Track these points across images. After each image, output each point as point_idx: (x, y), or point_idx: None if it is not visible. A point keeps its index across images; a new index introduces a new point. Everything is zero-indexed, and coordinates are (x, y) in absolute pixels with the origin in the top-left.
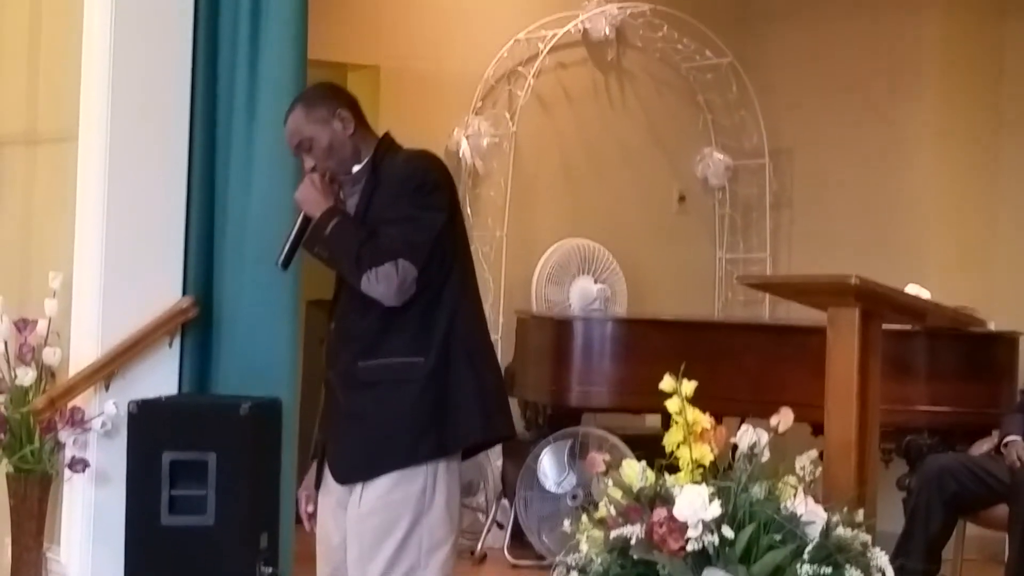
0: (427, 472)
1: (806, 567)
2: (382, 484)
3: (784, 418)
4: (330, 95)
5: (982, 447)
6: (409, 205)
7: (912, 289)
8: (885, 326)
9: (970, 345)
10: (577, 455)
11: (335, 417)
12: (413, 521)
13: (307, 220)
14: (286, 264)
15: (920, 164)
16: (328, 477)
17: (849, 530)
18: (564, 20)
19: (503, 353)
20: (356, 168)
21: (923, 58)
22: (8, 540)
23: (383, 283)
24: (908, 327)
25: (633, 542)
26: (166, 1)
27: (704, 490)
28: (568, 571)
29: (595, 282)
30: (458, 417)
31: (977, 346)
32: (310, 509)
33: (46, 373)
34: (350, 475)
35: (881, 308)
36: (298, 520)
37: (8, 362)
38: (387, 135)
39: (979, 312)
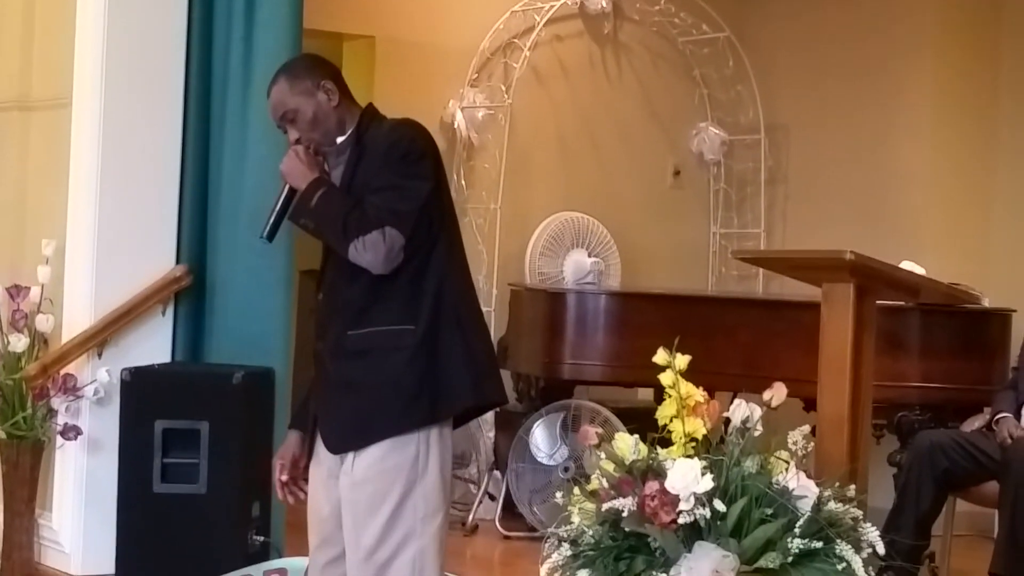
0: (419, 439)
1: (797, 541)
2: (374, 453)
3: (777, 393)
4: (314, 66)
5: (973, 424)
6: (394, 174)
7: (907, 265)
8: (879, 302)
9: (963, 322)
10: (569, 428)
11: (325, 388)
12: (407, 489)
13: (292, 192)
14: (271, 236)
15: (916, 141)
16: (319, 448)
17: (840, 505)
18: None
19: (496, 325)
20: (340, 139)
21: (920, 36)
22: (0, 506)
23: (371, 251)
24: (902, 303)
25: (625, 515)
26: None
27: (696, 464)
28: (560, 543)
29: (589, 255)
30: (448, 383)
31: (970, 323)
32: (284, 478)
33: (39, 340)
34: (341, 444)
35: (875, 284)
36: None
37: (1, 328)
38: (370, 106)
39: (974, 289)
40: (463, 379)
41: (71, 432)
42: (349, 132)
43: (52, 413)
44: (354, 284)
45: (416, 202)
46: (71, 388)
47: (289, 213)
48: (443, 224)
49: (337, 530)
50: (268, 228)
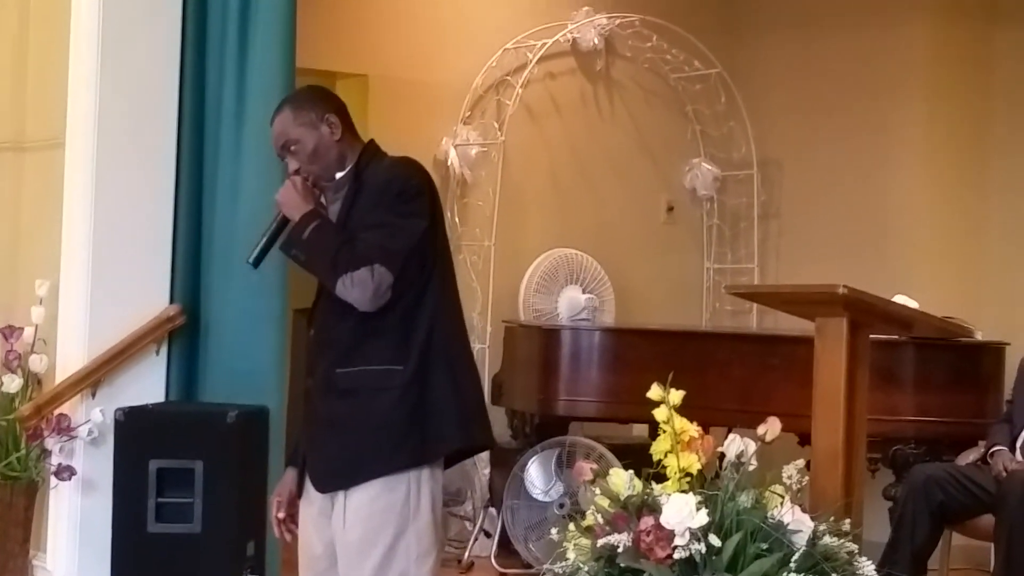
0: (410, 480)
1: None
2: (364, 493)
3: (771, 427)
4: (319, 99)
5: (968, 457)
6: (388, 211)
7: (900, 299)
8: (872, 336)
9: (957, 355)
10: (564, 464)
11: (314, 425)
12: (399, 529)
13: (284, 221)
14: (256, 263)
15: (908, 175)
16: (309, 486)
17: (836, 539)
18: (553, 30)
19: (490, 362)
20: (339, 175)
21: (911, 69)
22: None
23: (358, 288)
24: (896, 337)
25: (620, 550)
26: (154, 8)
27: (691, 499)
28: None
29: (583, 292)
30: (436, 425)
31: (964, 356)
32: (281, 515)
33: (32, 380)
34: (329, 483)
35: (869, 318)
36: None
37: None
38: (372, 142)
39: (967, 322)
40: (451, 421)
41: (65, 472)
42: (348, 168)
43: (46, 453)
44: (344, 321)
45: (408, 241)
46: (65, 428)
47: (280, 243)
48: (436, 264)
49: (330, 568)
50: (256, 254)
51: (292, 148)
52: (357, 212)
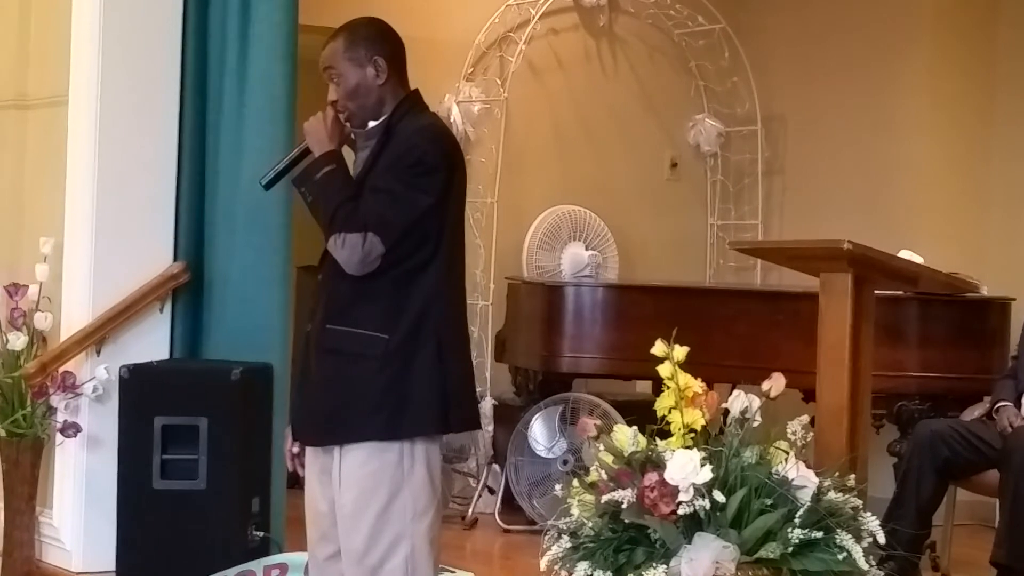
0: (401, 444)
1: (797, 531)
2: (356, 456)
3: (776, 383)
4: (374, 38)
5: (974, 413)
6: (397, 180)
7: (905, 255)
8: (877, 292)
9: (962, 311)
10: (568, 421)
11: (304, 376)
12: (393, 490)
13: (305, 152)
14: (269, 185)
15: (913, 131)
16: None
17: (840, 495)
18: None
19: (494, 319)
20: (373, 123)
21: (916, 25)
22: (0, 504)
23: (347, 250)
24: (900, 293)
25: (624, 506)
26: None
27: (695, 455)
28: (559, 535)
29: (586, 248)
30: (414, 405)
31: (969, 312)
32: (295, 450)
33: (37, 338)
34: (311, 438)
35: (873, 273)
36: (290, 484)
37: (0, 327)
38: (412, 94)
39: (972, 277)
40: (430, 406)
41: (71, 429)
42: (382, 119)
43: (51, 411)
44: (343, 278)
45: (408, 215)
46: (70, 386)
47: (296, 176)
48: (443, 243)
49: (334, 525)
50: (270, 177)
51: (334, 79)
52: (376, 169)
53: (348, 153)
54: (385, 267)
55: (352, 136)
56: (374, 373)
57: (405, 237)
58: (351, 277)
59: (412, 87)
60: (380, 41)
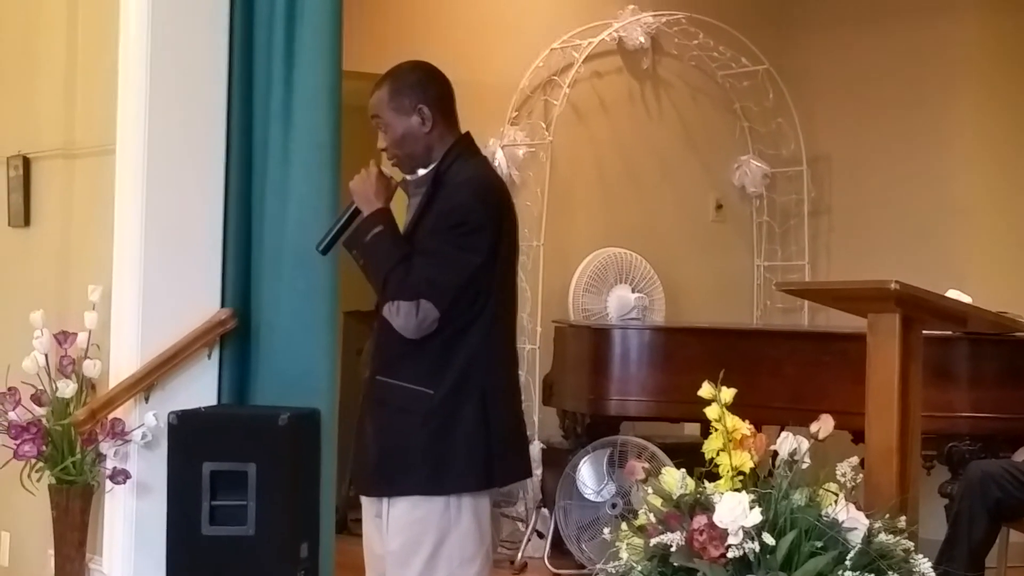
0: (447, 495)
1: (848, 574)
2: (403, 503)
3: (824, 425)
4: (419, 86)
5: None
6: (445, 242)
7: (953, 294)
8: (926, 332)
9: (1012, 350)
10: (616, 464)
11: (360, 423)
12: (439, 538)
13: (356, 211)
14: (326, 250)
15: (960, 169)
16: None
17: (891, 537)
18: (599, 29)
19: (541, 363)
20: (422, 171)
21: (963, 63)
22: (51, 551)
23: (402, 318)
24: (949, 333)
25: (673, 549)
26: (201, 12)
27: (744, 497)
28: None
29: (632, 291)
30: (456, 461)
31: (1019, 351)
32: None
33: (87, 385)
34: (364, 488)
35: (922, 313)
36: (338, 530)
37: (49, 375)
38: (462, 139)
39: (1021, 317)
40: (473, 462)
41: (120, 476)
42: (432, 166)
43: (101, 457)
44: (392, 332)
45: (459, 277)
46: (119, 432)
47: (346, 238)
48: (491, 296)
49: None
50: (326, 242)
51: (381, 127)
52: (424, 223)
53: (402, 197)
54: (440, 328)
55: (407, 178)
56: (417, 428)
57: (458, 298)
58: (398, 332)
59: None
60: (424, 88)
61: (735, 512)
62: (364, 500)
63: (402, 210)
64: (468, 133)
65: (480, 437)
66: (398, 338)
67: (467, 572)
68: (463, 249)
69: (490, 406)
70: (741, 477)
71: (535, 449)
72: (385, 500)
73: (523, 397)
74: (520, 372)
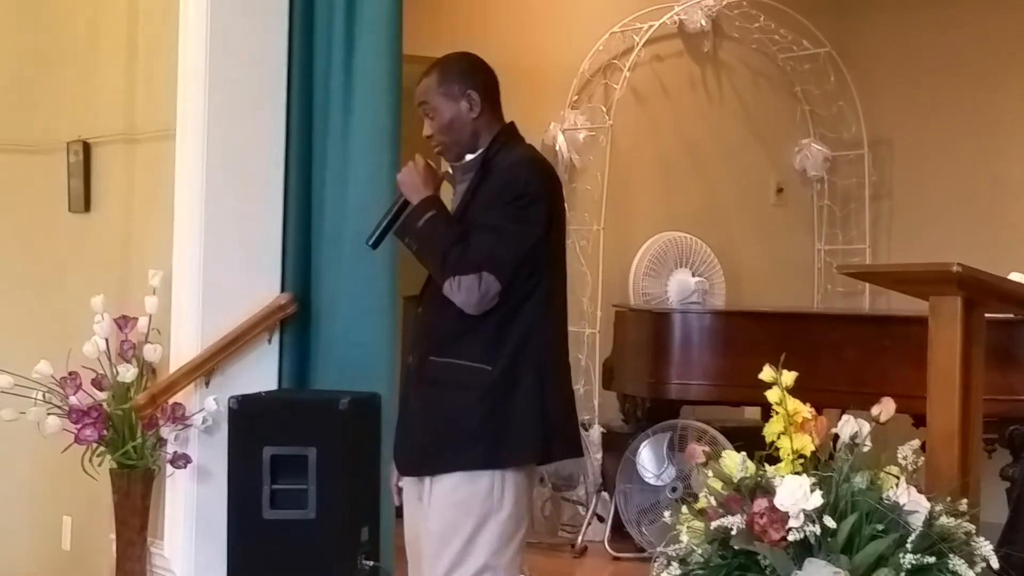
0: (492, 474)
1: (909, 556)
2: (446, 484)
3: (886, 408)
4: (468, 72)
5: None
6: (503, 216)
7: (1016, 276)
8: (988, 315)
9: None
10: (676, 447)
11: (404, 406)
12: (480, 522)
13: (404, 204)
14: (376, 244)
15: (1021, 152)
16: None
17: (952, 519)
18: (659, 12)
19: (601, 347)
20: (470, 156)
21: None
22: (112, 536)
23: (464, 293)
24: (1011, 315)
25: (734, 532)
26: None
27: (805, 480)
28: (669, 562)
29: (693, 275)
30: (515, 434)
31: None
32: (401, 484)
33: (147, 370)
34: (408, 468)
35: (984, 296)
36: (398, 514)
37: (110, 359)
38: (509, 126)
39: None
40: (531, 434)
41: (181, 460)
42: (480, 151)
43: (161, 442)
44: (446, 310)
45: (519, 249)
46: (180, 417)
47: (396, 228)
48: (546, 271)
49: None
50: (375, 236)
51: (429, 113)
52: (476, 205)
53: (447, 188)
54: (501, 303)
55: (450, 171)
56: (476, 403)
57: (517, 271)
58: (454, 310)
59: (508, 119)
60: (473, 75)
61: (796, 495)
62: (406, 482)
63: (447, 202)
64: (513, 123)
65: (537, 411)
66: (452, 318)
67: (502, 559)
68: (521, 222)
69: (546, 381)
70: (802, 460)
71: (595, 433)
72: (427, 479)
73: (583, 381)
74: (580, 356)
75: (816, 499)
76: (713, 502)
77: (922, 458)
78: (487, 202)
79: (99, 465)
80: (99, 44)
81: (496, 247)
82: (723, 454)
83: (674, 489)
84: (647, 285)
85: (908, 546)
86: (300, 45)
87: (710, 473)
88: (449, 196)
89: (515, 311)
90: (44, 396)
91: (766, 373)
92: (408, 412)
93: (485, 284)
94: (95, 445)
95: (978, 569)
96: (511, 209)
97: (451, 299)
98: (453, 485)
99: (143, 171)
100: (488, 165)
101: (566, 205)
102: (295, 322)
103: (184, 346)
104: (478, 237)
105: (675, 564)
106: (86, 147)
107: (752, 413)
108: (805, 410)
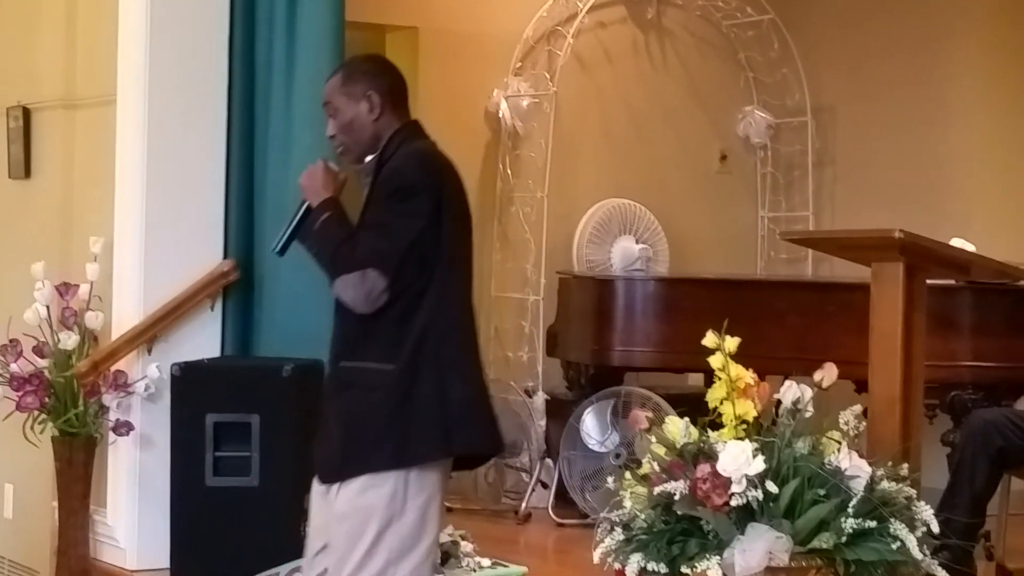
0: (396, 478)
1: (850, 521)
2: (352, 487)
3: (828, 373)
4: (371, 74)
5: None
6: (384, 211)
7: (957, 243)
8: (929, 281)
9: (1015, 299)
10: (620, 414)
11: (323, 415)
12: (382, 527)
13: (309, 208)
14: (282, 251)
15: (964, 119)
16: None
17: (893, 484)
18: None
19: (545, 314)
20: (369, 158)
21: (967, 14)
22: (55, 503)
23: (350, 291)
24: (952, 282)
25: (677, 498)
26: None
27: (747, 445)
28: (612, 528)
29: (637, 242)
30: (416, 431)
31: (1022, 300)
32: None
33: (89, 337)
34: (329, 475)
35: (925, 262)
36: None
37: (51, 326)
38: (407, 126)
39: None
40: (432, 428)
41: (123, 428)
42: (377, 153)
43: (104, 409)
44: (350, 315)
45: (402, 243)
46: (122, 384)
47: (300, 232)
48: (440, 263)
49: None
50: (281, 243)
51: (331, 113)
52: (368, 204)
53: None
54: (391, 299)
55: (356, 171)
56: (380, 404)
57: (404, 265)
58: (356, 314)
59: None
60: (376, 76)
61: (738, 460)
62: (315, 481)
63: (358, 204)
64: (415, 121)
65: (436, 407)
66: (356, 321)
67: (403, 565)
68: (402, 215)
69: (446, 373)
70: (744, 426)
71: (539, 400)
72: (336, 484)
73: (528, 348)
74: (524, 323)
75: (758, 464)
76: (656, 468)
77: (864, 423)
78: (373, 200)
79: (41, 433)
80: (39, 8)
81: (379, 243)
82: (666, 420)
83: (618, 455)
84: (591, 252)
85: (849, 511)
86: (242, 10)
87: (653, 439)
88: (361, 198)
89: (413, 307)
90: None
91: (709, 339)
92: (327, 419)
93: (369, 280)
94: (36, 413)
95: (919, 533)
96: (391, 203)
97: (341, 300)
98: (359, 489)
99: (84, 137)
100: (383, 164)
101: (509, 172)
102: (238, 289)
103: (126, 313)
104: (364, 235)
105: (618, 529)
106: (26, 112)
107: (696, 380)
108: (748, 376)
